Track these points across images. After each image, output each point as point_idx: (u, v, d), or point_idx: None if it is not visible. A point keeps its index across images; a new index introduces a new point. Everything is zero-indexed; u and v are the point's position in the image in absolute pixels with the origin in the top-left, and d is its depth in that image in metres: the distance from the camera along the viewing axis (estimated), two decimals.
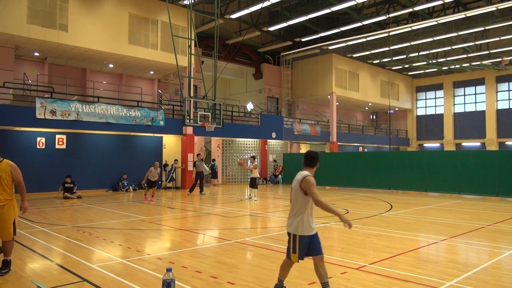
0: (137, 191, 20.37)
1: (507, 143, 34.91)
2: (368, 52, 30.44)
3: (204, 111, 18.34)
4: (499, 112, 35.38)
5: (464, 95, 37.99)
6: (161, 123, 20.89)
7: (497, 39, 26.86)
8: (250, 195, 16.70)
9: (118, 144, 20.75)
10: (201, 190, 18.65)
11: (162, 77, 24.47)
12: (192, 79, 18.92)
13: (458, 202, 15.76)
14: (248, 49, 29.92)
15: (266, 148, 28.02)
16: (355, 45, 28.88)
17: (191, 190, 18.43)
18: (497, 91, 35.68)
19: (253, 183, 16.33)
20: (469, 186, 17.86)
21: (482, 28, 24.86)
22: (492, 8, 21.34)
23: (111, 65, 21.61)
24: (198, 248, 7.67)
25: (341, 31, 25.95)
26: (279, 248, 7.39)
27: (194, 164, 19.08)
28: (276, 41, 29.31)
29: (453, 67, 32.50)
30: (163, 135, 22.15)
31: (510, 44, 28.20)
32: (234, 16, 22.70)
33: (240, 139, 27.13)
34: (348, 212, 12.63)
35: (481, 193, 17.42)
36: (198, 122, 17.26)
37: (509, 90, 35.11)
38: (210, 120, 17.48)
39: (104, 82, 22.77)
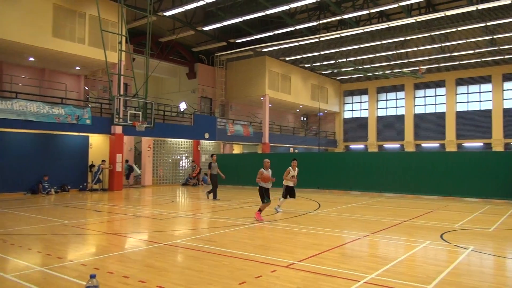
0: (60, 193, 19.12)
1: (423, 145, 37.94)
2: (300, 56, 31.43)
3: (135, 110, 17.72)
4: (417, 117, 38.34)
5: (386, 100, 40.66)
6: (88, 121, 19.84)
7: (415, 49, 29.14)
8: (279, 206, 12.98)
9: (39, 143, 19.31)
10: (215, 196, 16.84)
11: (90, 74, 23.22)
12: (122, 77, 18.18)
13: (379, 200, 16.82)
14: (182, 48, 29.46)
15: (198, 149, 27.77)
16: (288, 48, 29.66)
17: (214, 196, 16.75)
18: (414, 97, 38.65)
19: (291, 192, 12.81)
20: (388, 185, 19.16)
21: (402, 38, 26.79)
22: (411, 20, 23.09)
23: (31, 59, 20.07)
24: (126, 252, 7.40)
25: (275, 34, 26.51)
26: (210, 249, 7.37)
27: (210, 166, 16.91)
28: (211, 41, 29.20)
29: (377, 73, 34.62)
30: (90, 135, 21.03)
31: (427, 54, 30.69)
32: (167, 13, 22.22)
33: (172, 140, 26.61)
34: (278, 211, 12.92)
35: (399, 191, 18.75)
36: (128, 122, 16.64)
37: (425, 96, 38.20)
38: (140, 120, 16.93)
39: (24, 77, 21.10)
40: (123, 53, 17.21)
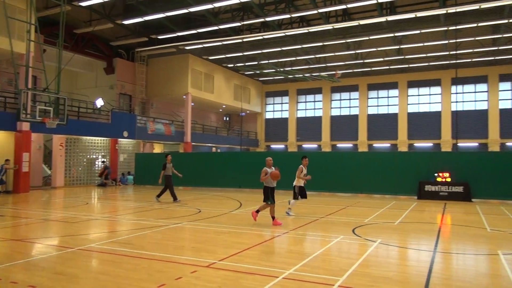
0: None
1: (338, 145, 40.20)
2: (223, 56, 31.50)
3: (45, 106, 16.41)
4: (333, 118, 40.51)
5: (306, 101, 42.41)
6: None
7: (332, 54, 30.78)
8: (290, 208, 12.43)
9: None
10: (174, 197, 15.58)
11: None
12: (30, 69, 16.71)
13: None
14: (99, 41, 27.91)
15: (116, 148, 26.55)
16: (211, 47, 29.55)
17: (174, 198, 15.50)
18: (331, 100, 40.81)
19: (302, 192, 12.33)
20: (307, 184, 19.97)
21: (321, 44, 28.13)
22: (329, 27, 24.34)
23: None
24: (33, 259, 6.82)
25: (198, 32, 26.26)
26: (128, 252, 7.08)
27: (164, 167, 15.47)
28: (131, 35, 28.05)
29: (297, 76, 35.94)
30: None
31: (342, 59, 32.57)
32: (84, 4, 20.91)
33: (88, 138, 25.11)
34: (200, 211, 12.83)
35: (317, 189, 19.67)
36: (37, 118, 15.38)
37: (340, 100, 40.52)
38: (51, 116, 15.75)
39: None
40: (32, 44, 15.87)
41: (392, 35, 25.51)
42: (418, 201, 16.86)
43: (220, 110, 40.74)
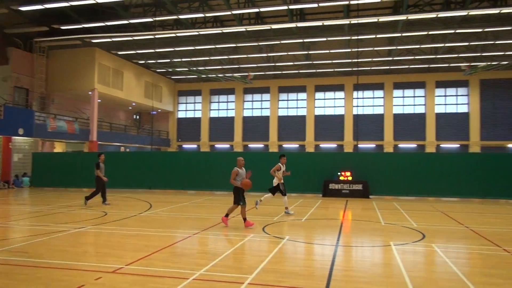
0: None
1: (250, 145, 41.03)
2: (134, 52, 30.26)
3: None
4: (245, 119, 41.25)
5: (219, 102, 42.58)
6: None
7: (245, 56, 31.34)
8: (287, 208, 12.68)
9: None
10: (104, 199, 14.62)
11: None
12: None
13: (211, 198, 17.47)
14: None
15: (10, 146, 24.03)
16: (121, 42, 28.21)
17: (104, 199, 14.45)
18: (244, 101, 41.51)
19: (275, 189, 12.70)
20: (220, 184, 20.09)
21: (234, 45, 28.46)
22: (242, 29, 24.72)
23: None
24: None
25: (106, 25, 24.89)
26: (21, 261, 6.45)
27: (98, 166, 14.49)
28: (29, 24, 25.58)
29: (210, 76, 35.91)
30: None
31: (255, 62, 33.32)
32: None
33: None
34: (106, 214, 12.17)
35: (229, 189, 19.81)
36: None
37: (252, 101, 41.42)
38: None
39: None
40: None
41: (301, 40, 26.76)
42: (323, 198, 17.90)
43: (130, 108, 39.09)
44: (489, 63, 30.66)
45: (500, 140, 34.83)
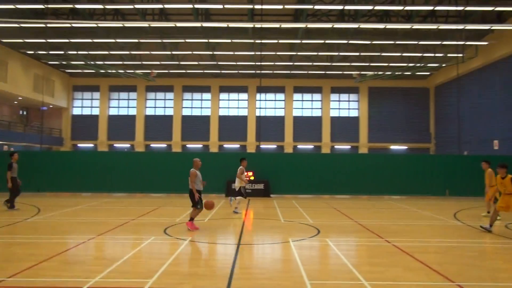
0: None
1: (152, 145, 39.77)
2: (21, 40, 27.32)
3: None
4: (147, 118, 39.89)
5: (119, 99, 40.53)
6: None
7: (148, 52, 30.28)
8: (237, 207, 13.08)
9: None
10: (12, 205, 13.28)
11: None
12: None
13: (108, 201, 16.53)
14: None
15: None
16: (4, 28, 25.25)
17: (11, 205, 13.17)
18: (146, 99, 40.12)
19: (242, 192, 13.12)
20: (117, 185, 19.13)
21: (136, 40, 27.32)
22: (145, 24, 23.83)
23: None
24: None
25: None
26: None
27: (10, 167, 13.26)
28: None
29: (109, 71, 33.98)
30: None
31: (158, 59, 32.38)
32: None
33: None
34: None
35: (128, 190, 19.00)
36: None
37: (155, 99, 40.23)
38: None
39: None
40: None
41: (206, 40, 26.73)
42: (226, 198, 18.09)
43: (16, 102, 35.21)
44: (375, 73, 33.94)
45: (384, 142, 38.77)
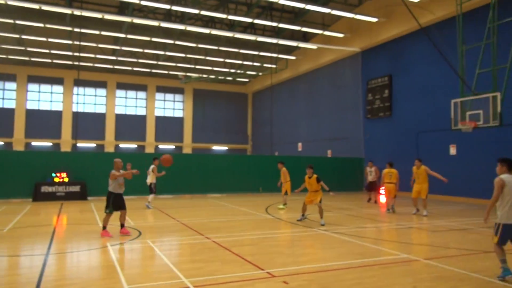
0: None
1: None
2: None
3: None
4: None
5: None
6: None
7: None
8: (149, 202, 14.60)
9: None
10: None
11: None
12: None
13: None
14: None
15: None
16: None
17: None
18: None
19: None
20: None
21: None
22: None
23: None
24: None
25: None
26: None
27: None
28: None
29: None
30: None
31: None
32: None
33: None
34: None
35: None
36: None
37: None
38: None
39: None
40: None
41: (12, 21, 23.01)
42: (33, 203, 15.98)
43: None
44: (200, 75, 35.10)
45: (207, 142, 40.40)
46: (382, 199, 18.00)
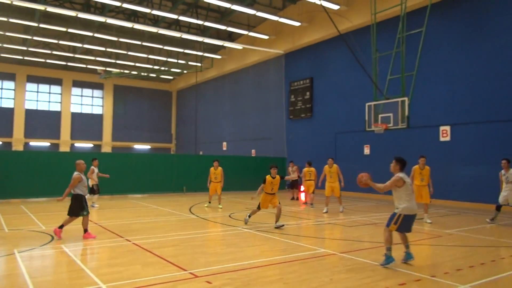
0: None
1: None
2: None
3: None
4: None
5: None
6: None
7: None
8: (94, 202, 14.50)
9: None
10: None
11: None
12: None
13: None
14: None
15: None
16: None
17: None
18: None
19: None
20: None
21: None
22: None
23: None
24: None
25: None
26: None
27: None
28: None
29: None
30: None
31: None
32: None
33: None
34: None
35: None
36: None
37: None
38: None
39: None
40: None
41: None
42: None
43: None
44: (121, 71, 33.59)
45: (128, 141, 38.77)
46: (303, 197, 18.76)
